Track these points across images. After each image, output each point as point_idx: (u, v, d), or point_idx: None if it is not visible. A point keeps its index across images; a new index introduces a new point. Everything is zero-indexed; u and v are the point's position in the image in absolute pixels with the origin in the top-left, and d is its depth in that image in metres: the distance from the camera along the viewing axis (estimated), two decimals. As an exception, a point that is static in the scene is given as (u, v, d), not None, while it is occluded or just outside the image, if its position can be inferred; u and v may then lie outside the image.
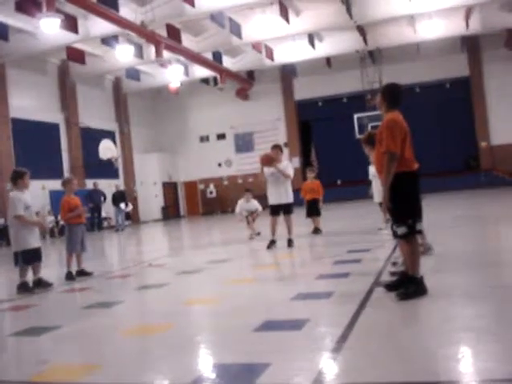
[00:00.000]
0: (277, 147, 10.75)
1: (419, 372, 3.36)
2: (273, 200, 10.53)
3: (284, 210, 10.50)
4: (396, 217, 5.47)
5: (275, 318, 5.03)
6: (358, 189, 30.23)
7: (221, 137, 33.81)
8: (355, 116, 27.56)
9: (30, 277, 8.01)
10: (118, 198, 24.53)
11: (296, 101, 32.69)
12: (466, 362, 3.54)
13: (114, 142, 28.65)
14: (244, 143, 33.04)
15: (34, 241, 7.95)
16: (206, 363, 3.93)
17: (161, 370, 3.90)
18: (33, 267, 8.02)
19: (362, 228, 12.66)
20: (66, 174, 26.41)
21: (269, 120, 32.54)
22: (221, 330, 5.01)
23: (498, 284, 5.74)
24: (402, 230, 5.39)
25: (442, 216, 14.00)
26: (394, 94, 5.60)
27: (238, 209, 13.65)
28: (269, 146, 32.61)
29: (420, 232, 5.59)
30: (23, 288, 7.82)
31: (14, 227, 7.89)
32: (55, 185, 24.76)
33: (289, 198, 10.52)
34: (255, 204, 13.59)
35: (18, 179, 7.99)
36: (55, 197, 23.33)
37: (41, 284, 8.01)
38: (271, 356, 3.89)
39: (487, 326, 4.22)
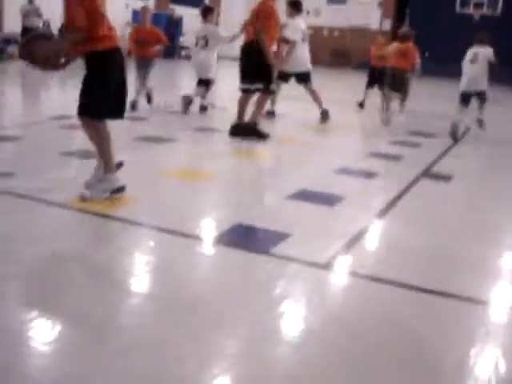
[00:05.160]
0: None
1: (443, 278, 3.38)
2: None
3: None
4: None
5: (311, 188, 5.06)
6: (446, 67, 28.83)
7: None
8: (459, -13, 25.57)
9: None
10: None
11: (400, -41, 30.36)
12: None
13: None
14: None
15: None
16: (229, 221, 4.04)
17: (185, 217, 4.07)
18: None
19: (436, 110, 12.16)
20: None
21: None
22: (256, 189, 5.15)
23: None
24: None
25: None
26: None
27: None
28: (363, 2, 30.77)
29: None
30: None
31: None
32: (139, 4, 24.58)
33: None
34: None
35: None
36: (137, 17, 23.20)
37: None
38: (294, 227, 3.97)
39: None
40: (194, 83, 9.39)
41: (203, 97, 9.33)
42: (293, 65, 8.98)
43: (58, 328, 2.49)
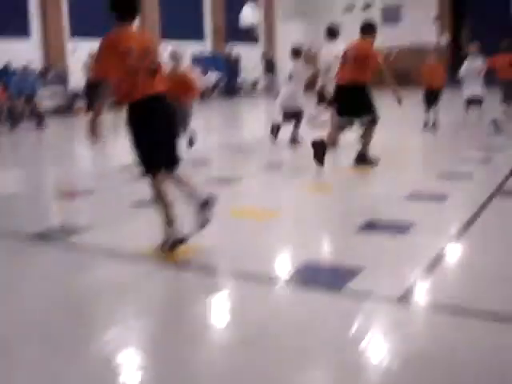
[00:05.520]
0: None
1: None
2: None
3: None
4: None
5: (382, 217, 5.00)
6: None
7: (367, 7, 32.18)
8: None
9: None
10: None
11: (452, -30, 30.01)
12: None
13: (257, 8, 28.14)
14: (391, 15, 31.27)
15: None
16: (301, 259, 4.02)
17: (256, 259, 4.07)
18: None
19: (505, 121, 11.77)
20: (208, 37, 26.65)
21: (420, -9, 30.31)
22: (325, 223, 5.12)
23: None
24: None
25: None
26: None
27: None
28: (418, 19, 30.26)
29: None
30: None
31: None
32: (197, 47, 25.25)
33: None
34: None
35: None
36: (195, 59, 23.84)
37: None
38: (366, 260, 3.92)
39: None
40: (260, 121, 9.50)
41: (297, 129, 9.53)
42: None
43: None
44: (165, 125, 4.20)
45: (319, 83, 9.85)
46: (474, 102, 10.79)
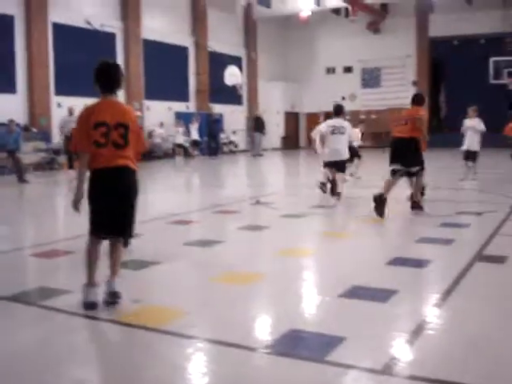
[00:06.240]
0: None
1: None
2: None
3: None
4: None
5: (364, 284, 4.97)
6: (487, 137, 28.40)
7: (347, 70, 33.02)
8: (491, 60, 25.93)
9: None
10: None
11: (430, 37, 31.04)
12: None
13: (240, 69, 28.77)
14: (371, 78, 32.11)
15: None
16: (281, 327, 3.95)
17: (236, 327, 4.03)
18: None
19: (482, 185, 12.01)
20: (192, 97, 27.06)
21: (398, 56, 31.24)
22: (306, 289, 5.11)
23: None
24: None
25: None
26: None
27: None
28: (397, 83, 31.20)
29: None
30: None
31: None
32: (181, 107, 25.66)
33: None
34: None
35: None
36: (180, 118, 24.14)
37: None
38: (348, 329, 3.89)
39: None
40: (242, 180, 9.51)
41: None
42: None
43: None
44: (112, 197, 4.40)
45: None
46: (470, 155, 12.67)
